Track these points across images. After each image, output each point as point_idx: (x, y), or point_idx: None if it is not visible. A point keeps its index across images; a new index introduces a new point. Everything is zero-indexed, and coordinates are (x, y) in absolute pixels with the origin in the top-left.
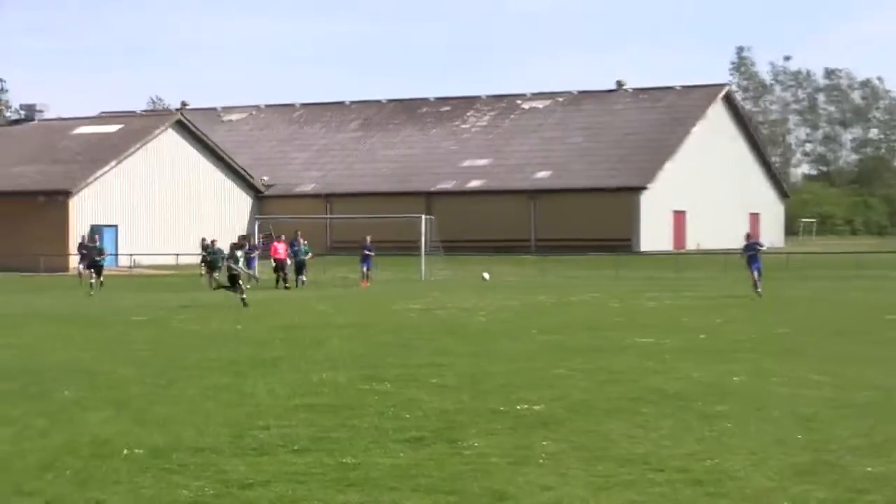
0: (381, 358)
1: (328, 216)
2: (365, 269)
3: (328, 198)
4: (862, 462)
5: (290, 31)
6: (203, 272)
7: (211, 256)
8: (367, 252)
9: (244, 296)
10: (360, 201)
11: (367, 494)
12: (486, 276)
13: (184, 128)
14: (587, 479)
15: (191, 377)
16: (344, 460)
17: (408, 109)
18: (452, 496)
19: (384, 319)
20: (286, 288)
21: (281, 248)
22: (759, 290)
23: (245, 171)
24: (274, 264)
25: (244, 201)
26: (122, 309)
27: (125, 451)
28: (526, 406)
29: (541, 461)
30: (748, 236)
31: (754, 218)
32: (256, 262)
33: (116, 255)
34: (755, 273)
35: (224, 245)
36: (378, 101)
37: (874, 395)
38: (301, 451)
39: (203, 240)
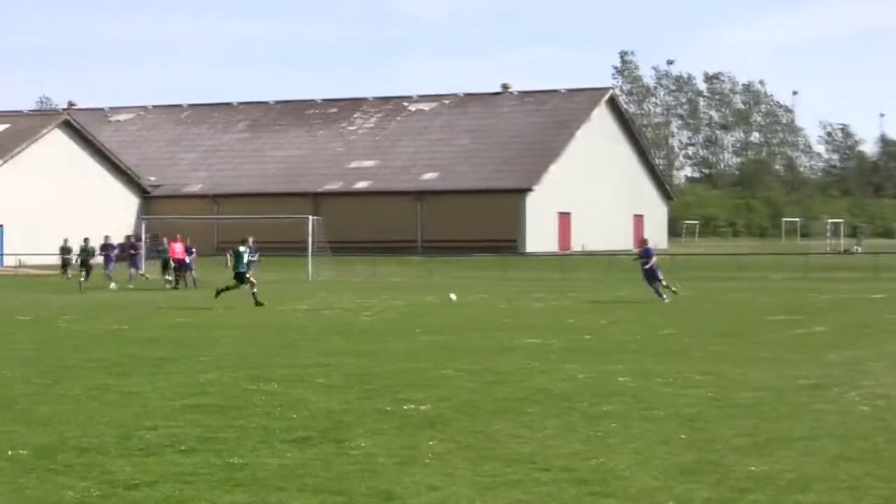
0: (267, 358)
1: (215, 216)
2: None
3: (215, 198)
4: (745, 461)
5: (177, 32)
6: (60, 272)
7: (82, 255)
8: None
9: (255, 290)
10: (247, 202)
11: (254, 494)
12: (454, 296)
13: (71, 128)
14: (473, 478)
15: (76, 377)
16: (231, 460)
17: (295, 111)
18: (339, 496)
19: (271, 320)
20: (175, 287)
21: (178, 248)
22: (673, 288)
23: (132, 171)
24: (173, 264)
25: (131, 201)
26: (7, 308)
27: (9, 452)
28: (412, 406)
29: (427, 461)
30: (643, 241)
31: (638, 219)
32: (143, 261)
33: (1, 254)
34: (653, 280)
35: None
36: (265, 103)
37: (757, 395)
38: (188, 452)
39: (65, 240)
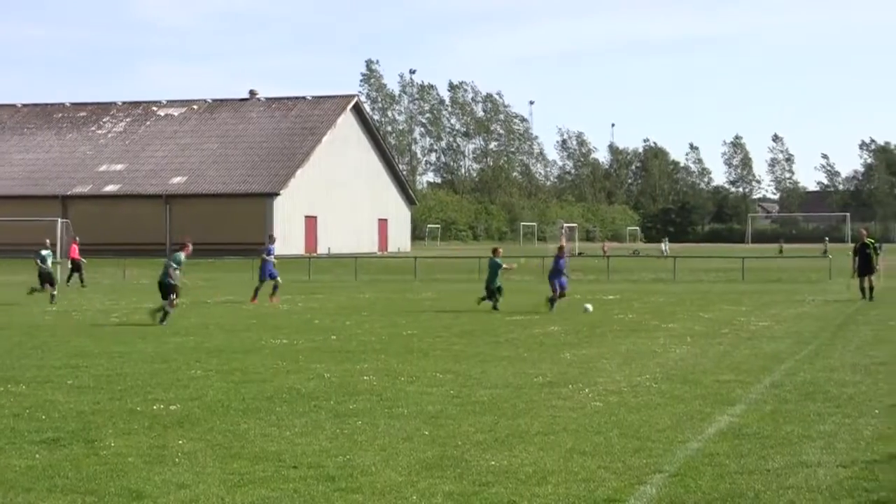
0: (16, 360)
1: None
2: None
3: None
4: (486, 456)
5: None
6: None
7: None
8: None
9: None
10: None
11: (2, 496)
12: (589, 307)
13: None
14: (223, 476)
15: None
16: None
17: (44, 114)
18: (89, 496)
19: (20, 321)
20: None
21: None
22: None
23: None
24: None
25: None
26: None
27: None
28: (162, 406)
29: (177, 460)
30: (560, 249)
31: (383, 223)
32: None
33: None
34: (558, 286)
35: None
36: (13, 105)
37: (497, 392)
38: None
39: None
